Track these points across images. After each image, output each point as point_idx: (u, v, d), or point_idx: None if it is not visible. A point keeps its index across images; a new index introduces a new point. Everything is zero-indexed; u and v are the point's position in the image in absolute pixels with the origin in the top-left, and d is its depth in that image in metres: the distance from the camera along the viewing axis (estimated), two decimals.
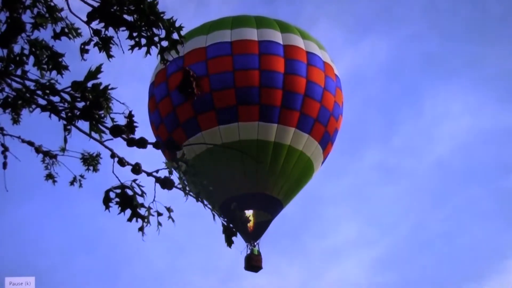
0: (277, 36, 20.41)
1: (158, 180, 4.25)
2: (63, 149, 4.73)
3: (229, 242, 4.43)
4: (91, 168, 5.05)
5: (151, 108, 20.82)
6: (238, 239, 21.60)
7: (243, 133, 19.84)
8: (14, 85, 4.15)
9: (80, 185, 5.22)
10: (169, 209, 4.25)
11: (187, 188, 4.27)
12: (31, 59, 4.23)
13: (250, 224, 20.96)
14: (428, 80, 57.01)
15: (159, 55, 4.20)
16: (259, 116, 19.85)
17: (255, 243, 21.37)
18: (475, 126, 54.66)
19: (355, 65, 55.14)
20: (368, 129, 56.43)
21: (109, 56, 4.22)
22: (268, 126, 19.89)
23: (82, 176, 5.21)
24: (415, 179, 54.32)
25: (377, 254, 51.79)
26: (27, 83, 4.12)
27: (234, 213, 4.26)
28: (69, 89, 4.04)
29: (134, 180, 4.17)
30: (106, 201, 4.10)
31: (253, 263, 21.06)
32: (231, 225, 4.34)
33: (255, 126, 19.86)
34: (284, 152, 20.23)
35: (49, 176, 5.03)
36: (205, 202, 4.55)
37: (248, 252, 21.26)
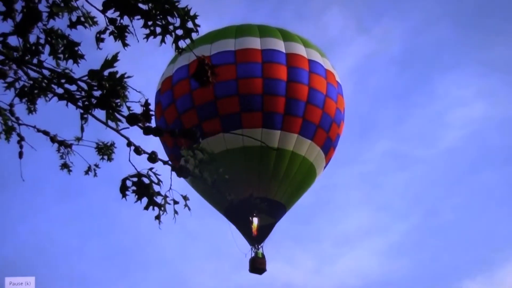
0: (279, 45, 20.35)
1: (174, 168, 4.12)
2: (78, 139, 4.61)
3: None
4: (106, 157, 4.93)
5: (157, 114, 20.73)
6: (243, 243, 21.48)
7: (247, 139, 19.75)
8: (31, 74, 4.03)
9: (95, 175, 5.10)
10: (185, 198, 4.12)
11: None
12: (47, 48, 4.11)
13: (254, 228, 20.87)
14: (440, 67, 55.81)
15: (173, 44, 4.07)
16: (263, 122, 19.77)
17: (259, 246, 21.33)
18: (487, 113, 53.23)
19: (367, 52, 54.03)
20: (380, 116, 55.28)
21: (125, 44, 4.09)
22: (271, 133, 19.81)
23: (96, 165, 5.10)
24: (427, 166, 53.12)
25: (390, 241, 50.81)
26: (43, 72, 4.00)
27: (251, 200, 4.14)
28: (86, 77, 3.92)
29: (151, 169, 4.05)
30: (123, 189, 3.97)
31: (257, 265, 21.07)
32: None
33: (258, 133, 19.77)
34: (287, 158, 20.14)
35: (64, 166, 4.92)
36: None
37: (253, 255, 21.23)
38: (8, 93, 4.18)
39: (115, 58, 3.89)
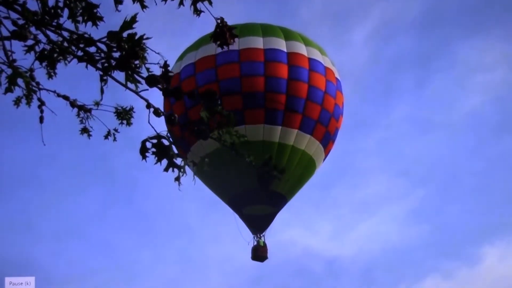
0: (281, 44, 20.16)
1: (193, 131, 3.88)
2: (97, 103, 4.38)
3: None
4: (125, 122, 4.70)
5: (166, 108, 20.51)
6: (246, 232, 21.31)
7: (250, 135, 19.58)
8: (51, 37, 3.78)
9: (114, 139, 4.86)
10: (204, 159, 3.88)
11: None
12: (66, 12, 3.86)
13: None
14: (461, 31, 53.13)
15: (192, 6, 3.84)
16: (264, 119, 19.61)
17: (261, 235, 21.22)
18: (509, 78, 50.78)
19: (388, 17, 51.59)
20: (400, 81, 52.46)
21: (143, 6, 3.85)
22: (273, 128, 19.67)
23: (116, 129, 4.86)
24: (448, 131, 50.70)
25: (409, 207, 48.80)
26: (63, 34, 3.75)
27: (269, 163, 3.90)
28: (105, 39, 3.68)
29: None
30: (143, 151, 3.73)
31: (259, 253, 21.08)
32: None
33: (260, 128, 19.61)
34: (287, 152, 19.99)
35: (84, 130, 4.69)
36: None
37: (255, 243, 21.12)
38: (28, 57, 3.93)
39: (133, 20, 3.66)
